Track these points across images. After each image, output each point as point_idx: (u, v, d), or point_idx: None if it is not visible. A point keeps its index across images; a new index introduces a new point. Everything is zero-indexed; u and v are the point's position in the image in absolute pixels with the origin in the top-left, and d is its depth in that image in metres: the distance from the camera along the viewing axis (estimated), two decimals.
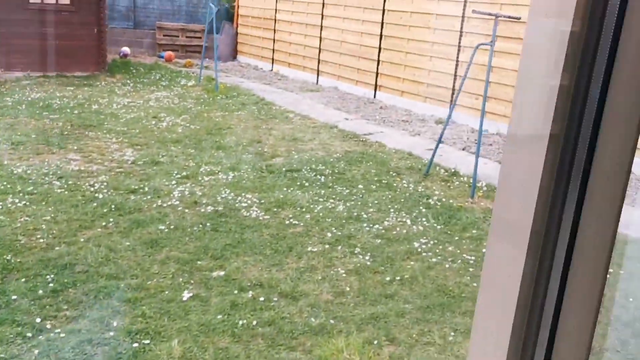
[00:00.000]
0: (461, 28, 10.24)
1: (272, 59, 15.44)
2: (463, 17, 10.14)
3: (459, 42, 10.19)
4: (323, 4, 13.43)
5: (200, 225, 5.21)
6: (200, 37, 16.65)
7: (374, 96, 12.22)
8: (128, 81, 12.12)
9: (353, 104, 11.50)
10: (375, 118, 10.33)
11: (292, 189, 6.32)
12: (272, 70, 15.32)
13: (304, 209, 5.75)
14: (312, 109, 10.74)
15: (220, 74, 14.05)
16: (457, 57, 10.33)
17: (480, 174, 7.25)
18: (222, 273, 4.41)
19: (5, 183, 5.79)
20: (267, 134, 8.64)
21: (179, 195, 5.91)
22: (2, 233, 4.70)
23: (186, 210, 5.54)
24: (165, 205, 5.63)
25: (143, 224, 5.14)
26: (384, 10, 11.82)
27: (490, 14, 6.19)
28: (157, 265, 4.46)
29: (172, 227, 5.13)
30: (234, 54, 17.09)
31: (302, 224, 5.41)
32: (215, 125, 8.95)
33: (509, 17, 6.48)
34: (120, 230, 4.99)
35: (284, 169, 6.97)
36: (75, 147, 7.27)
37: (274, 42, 15.30)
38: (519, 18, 6.54)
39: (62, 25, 12.08)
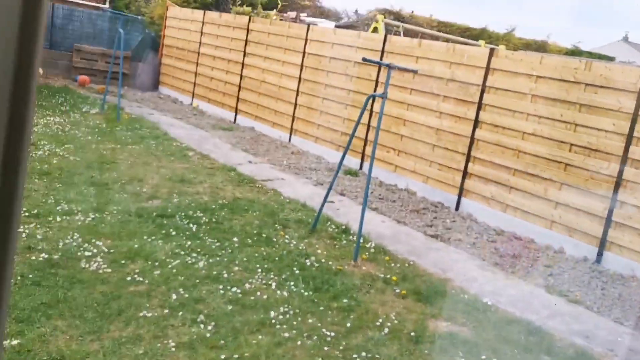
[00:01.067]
0: (377, 77, 9.91)
1: (193, 93, 14.80)
2: (380, 66, 9.83)
3: (374, 92, 9.84)
4: (246, 41, 12.97)
5: (20, 278, 4.40)
6: (118, 63, 15.88)
7: (289, 140, 11.71)
8: None
9: (264, 146, 10.93)
10: (282, 163, 9.77)
11: (154, 237, 5.59)
12: (191, 104, 14.66)
13: (157, 263, 5.03)
14: (216, 148, 10.09)
15: (133, 104, 13.31)
16: (372, 107, 9.97)
17: (373, 232, 6.74)
18: (16, 342, 3.62)
19: None
20: (155, 172, 7.91)
21: None
22: None
23: None
24: None
25: None
26: (304, 53, 11.43)
27: (380, 64, 5.76)
28: None
29: None
30: (155, 85, 16.36)
31: (147, 282, 4.68)
32: (100, 158, 8.16)
33: (405, 68, 6.08)
34: None
35: (155, 213, 6.24)
36: None
37: (195, 75, 14.69)
38: (416, 71, 6.16)
39: None
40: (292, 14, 19.42)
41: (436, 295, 5.30)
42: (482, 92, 8.29)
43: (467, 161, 8.44)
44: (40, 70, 14.76)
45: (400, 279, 5.55)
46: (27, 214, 5.69)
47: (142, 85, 16.31)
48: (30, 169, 7.12)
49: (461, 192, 8.49)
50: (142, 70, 16.31)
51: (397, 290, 5.28)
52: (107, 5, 18.73)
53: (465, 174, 8.46)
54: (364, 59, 5.57)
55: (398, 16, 20.58)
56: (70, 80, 15.31)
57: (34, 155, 7.75)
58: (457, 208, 8.48)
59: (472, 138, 8.39)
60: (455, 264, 6.26)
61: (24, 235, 5.17)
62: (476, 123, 8.35)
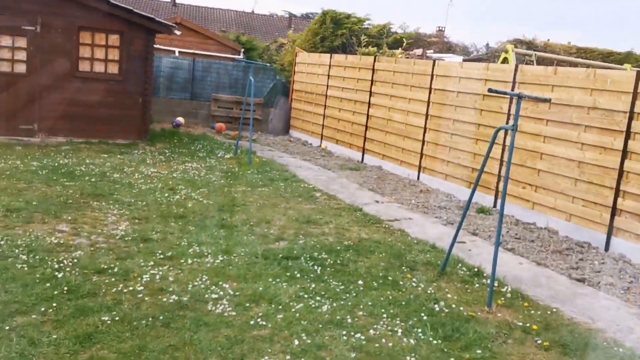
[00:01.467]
0: (509, 110, 9.39)
1: (321, 135, 15.05)
2: (511, 98, 9.32)
3: (506, 124, 9.31)
4: (372, 81, 13.00)
5: (151, 319, 4.53)
6: (255, 111, 16.58)
7: (418, 178, 11.41)
8: (166, 151, 11.98)
9: (391, 185, 10.72)
10: (410, 202, 9.49)
11: (278, 280, 5.56)
12: (319, 146, 14.90)
13: (280, 307, 4.97)
14: (343, 188, 10.06)
15: (264, 147, 13.78)
16: (504, 141, 9.43)
17: (509, 275, 6.23)
18: None
19: None
20: (282, 213, 8.00)
21: (148, 279, 5.29)
22: None
23: (146, 299, 4.89)
24: (125, 290, 5.01)
25: (87, 312, 4.53)
26: (430, 89, 11.18)
27: (509, 94, 5.36)
28: None
29: (117, 318, 4.47)
30: (286, 129, 16.89)
31: (270, 326, 4.61)
32: (231, 201, 8.42)
33: (536, 98, 5.63)
34: (57, 318, 4.39)
35: (280, 255, 6.24)
36: (70, 218, 6.89)
37: (323, 117, 14.96)
38: (549, 100, 5.68)
39: (108, 94, 12.25)
40: (418, 51, 19.28)
41: (585, 348, 4.70)
42: (630, 119, 7.50)
43: (617, 196, 7.62)
44: (183, 120, 15.86)
45: (541, 328, 5.01)
46: (162, 256, 5.94)
47: (273, 129, 16.93)
48: (167, 213, 7.50)
49: (611, 230, 7.65)
50: (273, 115, 16.94)
51: (539, 341, 4.76)
52: (241, 56, 19.85)
53: (614, 210, 7.63)
54: (490, 90, 5.23)
55: (531, 45, 19.66)
56: (209, 128, 16.27)
57: (171, 199, 8.18)
58: (606, 248, 7.65)
59: (621, 170, 7.58)
60: (607, 312, 5.56)
61: (157, 277, 5.37)
62: (625, 153, 7.55)
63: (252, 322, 4.64)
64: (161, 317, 4.58)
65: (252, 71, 12.43)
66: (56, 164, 9.67)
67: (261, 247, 6.50)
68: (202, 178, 9.76)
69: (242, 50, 21.65)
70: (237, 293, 5.18)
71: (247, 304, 4.97)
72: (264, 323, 4.65)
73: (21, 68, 11.66)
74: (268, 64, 18.01)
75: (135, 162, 10.50)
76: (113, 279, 5.23)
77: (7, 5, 11.37)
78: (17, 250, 5.65)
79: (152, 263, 5.72)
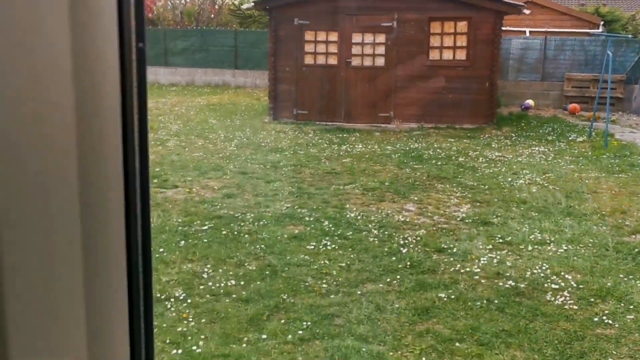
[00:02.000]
0: None
1: None
2: None
3: None
4: None
5: (486, 302, 4.54)
6: (614, 89, 14.97)
7: None
8: (512, 134, 11.75)
9: None
10: None
11: (632, 277, 4.94)
12: None
13: (631, 306, 4.41)
14: None
15: (625, 129, 12.40)
16: None
17: None
18: None
19: (334, 227, 6.24)
20: None
21: (485, 262, 5.31)
22: (296, 272, 5.06)
23: (482, 281, 4.92)
24: (462, 270, 5.13)
25: (426, 287, 4.79)
26: None
27: None
28: (411, 336, 4.06)
29: (452, 297, 4.61)
30: None
31: (617, 326, 4.15)
32: (580, 187, 7.80)
33: None
34: (400, 289, 4.76)
35: (636, 249, 5.53)
36: (416, 198, 7.36)
37: None
38: None
39: (455, 80, 12.60)
40: None
41: None
42: None
43: None
44: (532, 102, 15.32)
45: None
46: (500, 240, 5.88)
47: (638, 108, 14.98)
48: (509, 198, 7.36)
49: None
50: (638, 92, 14.99)
51: None
52: (599, 30, 18.06)
53: None
54: None
55: None
56: (560, 110, 15.34)
57: (514, 184, 8.00)
58: None
59: None
60: None
61: (494, 261, 5.34)
62: None
63: (595, 319, 4.25)
64: (496, 301, 4.55)
65: (610, 45, 11.20)
66: (407, 148, 10.43)
67: (613, 239, 5.87)
68: (549, 162, 9.27)
69: (602, 23, 19.64)
70: (580, 286, 4.80)
71: (592, 299, 4.56)
72: (610, 322, 4.21)
73: (380, 62, 12.89)
74: (630, 35, 15.98)
75: (480, 146, 10.59)
76: (451, 259, 5.41)
77: (369, 6, 12.67)
78: (370, 225, 6.31)
79: (490, 246, 5.71)
